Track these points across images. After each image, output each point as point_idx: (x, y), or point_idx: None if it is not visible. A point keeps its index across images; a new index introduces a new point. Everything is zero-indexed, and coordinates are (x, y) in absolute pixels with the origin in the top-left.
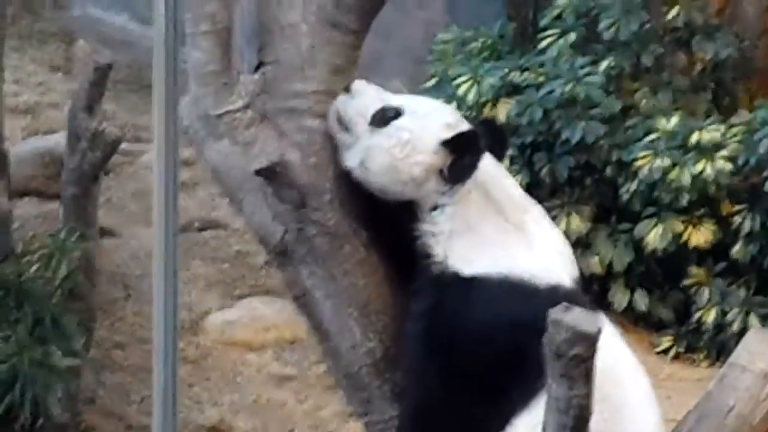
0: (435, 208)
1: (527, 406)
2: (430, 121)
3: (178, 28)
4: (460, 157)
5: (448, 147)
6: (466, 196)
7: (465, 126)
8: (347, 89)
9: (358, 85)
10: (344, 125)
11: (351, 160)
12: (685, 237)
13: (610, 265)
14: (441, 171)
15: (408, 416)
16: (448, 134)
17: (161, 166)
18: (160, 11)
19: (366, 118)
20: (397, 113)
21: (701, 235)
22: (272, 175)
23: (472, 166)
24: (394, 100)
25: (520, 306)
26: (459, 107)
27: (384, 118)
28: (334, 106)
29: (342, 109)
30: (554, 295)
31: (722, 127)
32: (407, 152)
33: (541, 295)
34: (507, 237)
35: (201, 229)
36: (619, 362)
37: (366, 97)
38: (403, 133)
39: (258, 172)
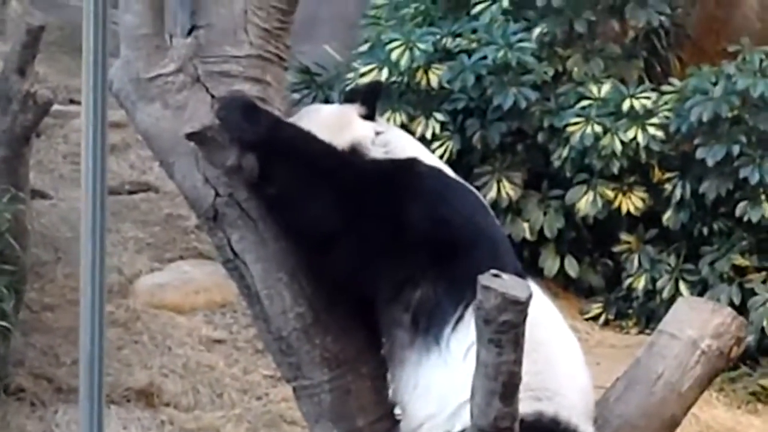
0: (377, 134)
1: (461, 317)
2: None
3: None
4: (368, 99)
5: (354, 100)
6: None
7: None
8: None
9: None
10: None
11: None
12: (616, 204)
13: (540, 231)
14: (361, 115)
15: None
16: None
17: (89, 128)
18: None
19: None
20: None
21: (632, 202)
22: (204, 139)
23: (373, 96)
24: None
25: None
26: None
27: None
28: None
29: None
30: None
31: (654, 95)
32: (322, 116)
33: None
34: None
35: (132, 192)
36: (550, 318)
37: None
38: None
39: (189, 136)
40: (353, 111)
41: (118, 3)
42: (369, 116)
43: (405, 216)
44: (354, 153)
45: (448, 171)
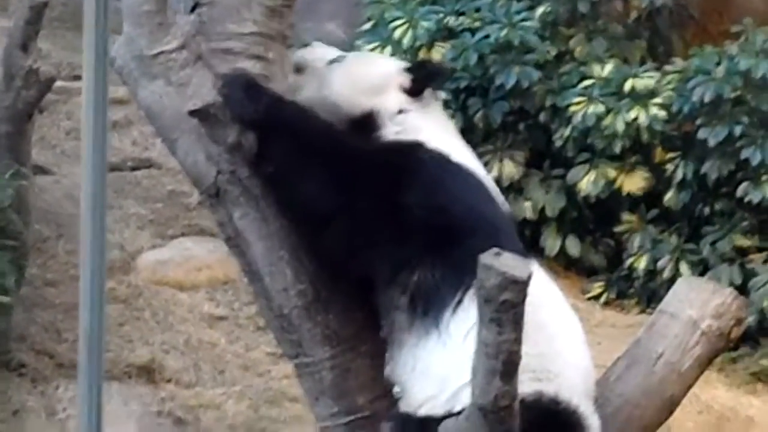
0: (400, 112)
1: (460, 301)
2: (383, 57)
3: None
4: (417, 73)
5: (411, 70)
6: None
7: None
8: (305, 45)
9: (316, 42)
10: (300, 69)
11: (307, 92)
12: (617, 184)
13: (542, 211)
14: (401, 88)
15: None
16: (405, 65)
17: (90, 104)
18: None
19: (323, 60)
20: None
21: (634, 182)
22: (206, 116)
23: (428, 81)
24: (347, 54)
25: (487, 201)
26: (394, 51)
27: (342, 58)
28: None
29: (300, 55)
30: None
31: (657, 75)
32: (367, 66)
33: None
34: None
35: (134, 168)
36: (551, 300)
37: (323, 48)
38: (360, 56)
39: (192, 113)
40: (397, 80)
41: None
42: (413, 92)
43: (401, 201)
44: (364, 124)
45: (465, 155)
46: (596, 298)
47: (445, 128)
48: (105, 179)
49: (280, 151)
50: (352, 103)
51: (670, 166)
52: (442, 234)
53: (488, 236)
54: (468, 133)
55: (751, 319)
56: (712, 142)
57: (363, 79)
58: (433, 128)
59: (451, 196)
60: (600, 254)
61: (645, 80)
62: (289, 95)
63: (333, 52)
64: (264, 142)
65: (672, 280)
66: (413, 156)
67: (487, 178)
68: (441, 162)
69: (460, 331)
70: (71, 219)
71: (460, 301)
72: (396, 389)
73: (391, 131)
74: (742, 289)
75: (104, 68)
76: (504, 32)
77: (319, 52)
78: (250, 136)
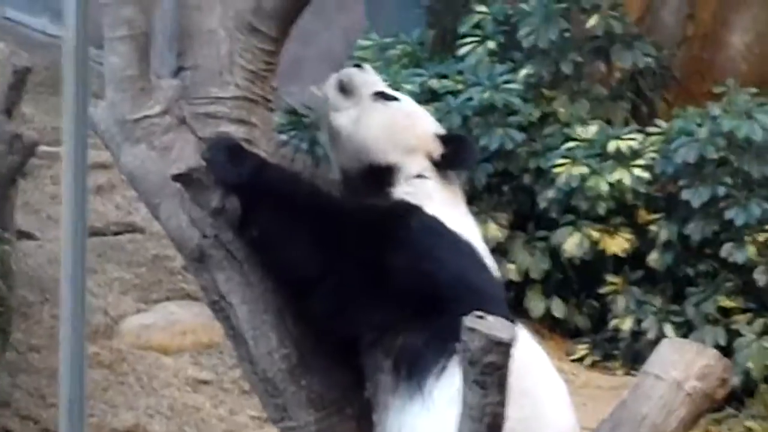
0: (419, 176)
1: (444, 367)
2: (426, 114)
3: (87, 29)
4: (451, 150)
5: (442, 140)
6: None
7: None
8: (358, 65)
9: (368, 66)
10: (345, 90)
11: (344, 119)
12: (601, 245)
13: (526, 273)
14: (429, 156)
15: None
16: (439, 131)
17: (70, 169)
18: (70, 13)
19: (370, 90)
20: (396, 98)
21: (618, 244)
22: (190, 180)
23: (469, 163)
24: (393, 92)
25: (477, 270)
26: None
27: (389, 96)
28: (338, 74)
29: (349, 76)
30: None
31: (640, 136)
32: (410, 122)
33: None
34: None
35: (117, 233)
36: (537, 364)
37: (373, 75)
38: (408, 109)
39: (175, 178)
40: (429, 145)
41: (103, 44)
42: (438, 165)
43: (388, 264)
44: (381, 175)
45: (463, 223)
46: (581, 359)
47: (454, 199)
48: (86, 243)
49: (264, 215)
50: (383, 152)
51: (653, 228)
52: (428, 300)
53: (475, 304)
54: None
55: (735, 380)
56: (695, 203)
57: (403, 134)
58: (441, 198)
59: (439, 262)
60: (584, 316)
61: (628, 142)
62: (326, 115)
63: (380, 84)
64: (248, 207)
65: (656, 342)
66: (406, 219)
67: (482, 246)
68: (434, 228)
69: (445, 397)
70: (55, 284)
71: (444, 367)
72: None
73: (402, 191)
74: (727, 351)
75: (84, 133)
76: (487, 94)
77: (369, 79)
78: (234, 200)
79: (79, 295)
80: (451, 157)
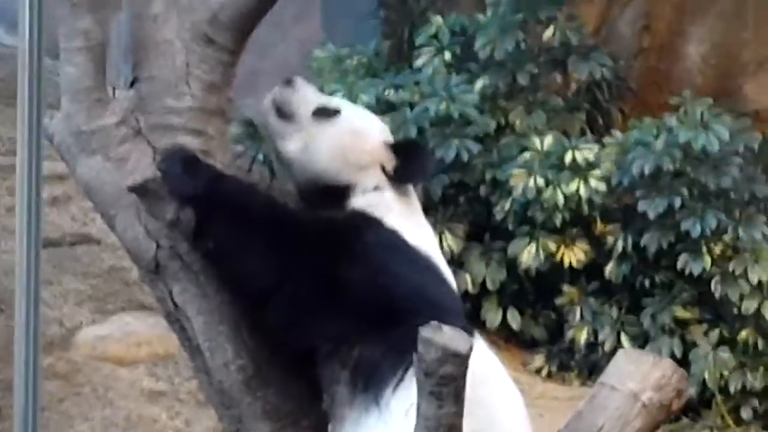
0: (375, 188)
1: (401, 379)
2: (374, 122)
3: (42, 39)
4: (405, 160)
5: (395, 149)
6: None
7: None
8: (288, 82)
9: (298, 80)
10: (284, 114)
11: (291, 146)
12: (558, 256)
13: (483, 284)
14: (382, 167)
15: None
16: (390, 138)
17: (24, 179)
18: (24, 23)
19: (308, 109)
20: (337, 111)
21: (574, 255)
22: (146, 191)
23: (416, 177)
24: (331, 100)
25: (435, 283)
26: None
27: (329, 111)
28: (271, 96)
29: (282, 99)
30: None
31: (596, 147)
32: (358, 139)
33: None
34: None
35: (73, 244)
36: (494, 374)
37: (307, 91)
38: (352, 124)
39: (131, 189)
40: (381, 156)
41: (59, 55)
42: (393, 179)
43: (343, 277)
44: (338, 193)
45: (422, 235)
46: (538, 370)
47: (411, 210)
48: (40, 254)
49: (219, 227)
50: (336, 173)
51: (610, 239)
52: (383, 312)
53: (432, 316)
54: None
55: (692, 391)
56: (651, 214)
57: (353, 153)
58: (399, 209)
59: (395, 276)
60: (541, 326)
61: (585, 153)
62: (272, 139)
63: (317, 97)
64: (203, 218)
65: (613, 352)
66: (363, 232)
67: (440, 258)
68: (391, 240)
69: (401, 408)
70: (11, 295)
71: (401, 379)
72: None
73: (360, 203)
74: (683, 361)
75: (39, 143)
76: (443, 105)
77: (304, 97)
78: (188, 211)
79: (33, 306)
80: (405, 169)
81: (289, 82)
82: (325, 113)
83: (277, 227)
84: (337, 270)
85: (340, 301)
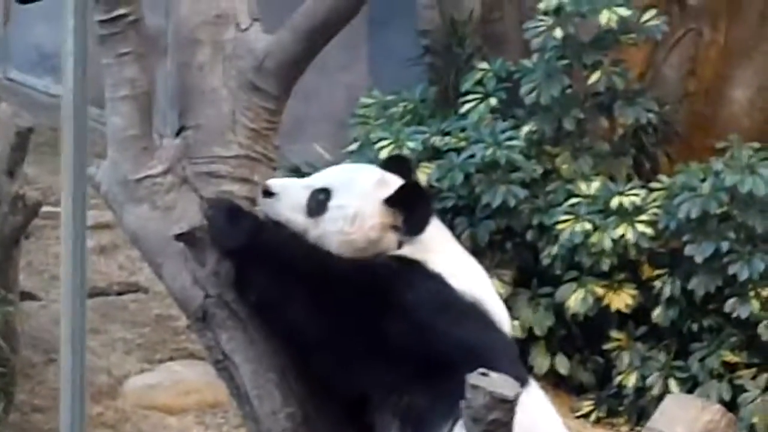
0: (400, 245)
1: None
2: (362, 187)
3: (86, 89)
4: (407, 209)
5: (392, 204)
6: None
7: (393, 178)
8: (266, 193)
9: (274, 184)
10: (280, 223)
11: (313, 236)
12: (605, 301)
13: (530, 329)
14: (395, 227)
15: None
16: (386, 192)
17: (69, 228)
18: (68, 73)
19: (301, 212)
20: (327, 193)
21: (622, 300)
22: (192, 239)
23: (426, 216)
24: (315, 180)
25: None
26: None
27: (319, 205)
28: (264, 213)
29: (273, 213)
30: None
31: (643, 192)
32: (357, 225)
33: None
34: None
35: (120, 293)
36: (546, 421)
37: (290, 193)
38: (345, 210)
39: (178, 237)
40: (387, 221)
41: (105, 104)
42: (408, 233)
43: (390, 327)
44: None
45: (470, 274)
46: (586, 416)
47: (448, 243)
48: (85, 303)
49: (261, 278)
50: (361, 253)
51: (657, 283)
52: (430, 364)
53: (482, 363)
54: None
55: None
56: (699, 259)
57: (360, 241)
58: (436, 246)
59: (439, 330)
60: (589, 372)
61: (631, 197)
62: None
63: (301, 194)
64: (246, 269)
65: (661, 397)
66: (407, 278)
67: (492, 298)
68: (435, 289)
69: None
70: (59, 344)
71: (451, 428)
72: None
73: (398, 250)
74: (732, 406)
75: (83, 192)
76: (489, 151)
77: (288, 203)
78: (227, 263)
79: (79, 355)
80: (413, 217)
81: (267, 194)
82: (315, 210)
83: (319, 278)
84: (383, 320)
85: (386, 352)
